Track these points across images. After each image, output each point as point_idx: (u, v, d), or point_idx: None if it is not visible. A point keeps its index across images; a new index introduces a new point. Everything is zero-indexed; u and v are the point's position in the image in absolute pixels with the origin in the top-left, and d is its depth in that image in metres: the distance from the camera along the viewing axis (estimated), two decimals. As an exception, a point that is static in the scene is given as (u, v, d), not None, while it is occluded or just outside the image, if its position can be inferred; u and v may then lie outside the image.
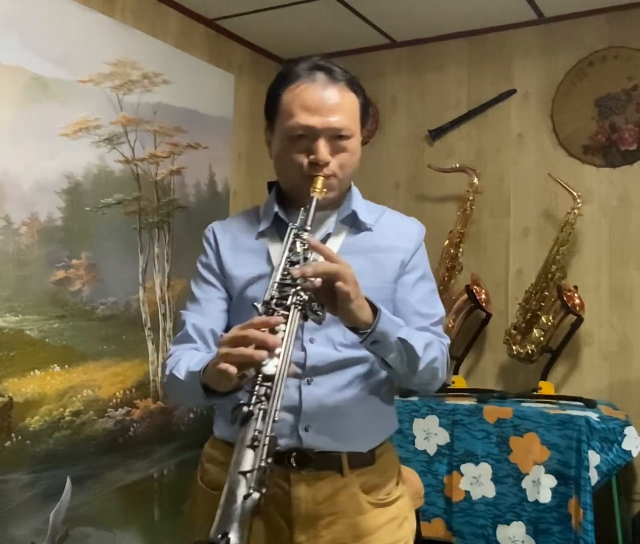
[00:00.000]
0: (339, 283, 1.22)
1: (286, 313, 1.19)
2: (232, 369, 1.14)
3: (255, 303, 1.23)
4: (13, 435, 2.40)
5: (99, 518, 2.69)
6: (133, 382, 2.85)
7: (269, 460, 1.04)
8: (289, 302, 1.20)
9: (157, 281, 3.01)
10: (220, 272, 1.50)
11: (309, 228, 1.32)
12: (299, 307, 1.20)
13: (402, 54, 3.68)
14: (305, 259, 1.27)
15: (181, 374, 1.35)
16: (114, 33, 2.82)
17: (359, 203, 1.51)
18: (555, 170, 3.25)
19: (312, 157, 1.40)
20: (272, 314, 1.19)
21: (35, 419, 2.47)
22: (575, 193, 3.11)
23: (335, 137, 1.41)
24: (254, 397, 1.09)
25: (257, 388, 1.10)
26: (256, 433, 1.05)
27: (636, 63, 3.16)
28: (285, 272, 1.25)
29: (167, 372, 1.41)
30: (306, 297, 1.21)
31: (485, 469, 2.87)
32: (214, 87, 3.32)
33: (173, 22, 3.18)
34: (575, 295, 3.08)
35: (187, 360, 1.37)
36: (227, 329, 1.46)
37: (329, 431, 1.40)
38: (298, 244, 1.30)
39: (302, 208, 1.37)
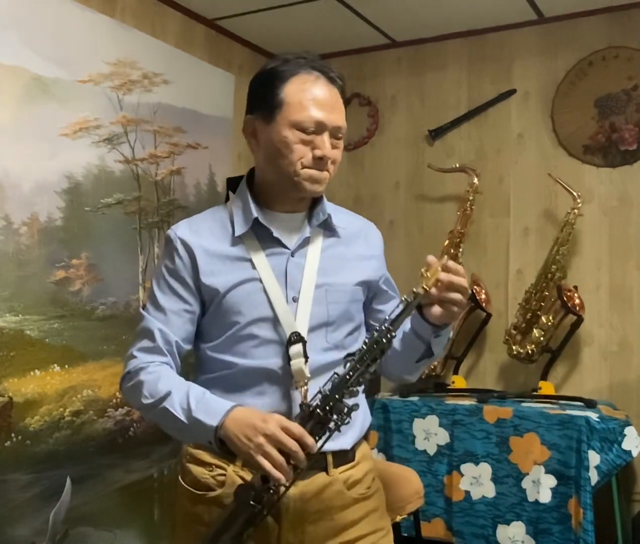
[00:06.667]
0: (462, 297, 1.33)
1: (320, 432, 1.29)
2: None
3: (406, 297, 1.30)
4: (13, 435, 2.39)
5: (99, 518, 2.68)
6: (133, 382, 2.84)
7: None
8: (329, 424, 1.29)
9: (157, 281, 3.00)
10: (192, 280, 1.45)
11: (394, 334, 1.32)
12: (330, 433, 1.30)
13: (402, 54, 3.68)
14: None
15: (177, 411, 1.34)
16: (114, 33, 2.81)
17: (329, 206, 1.53)
18: (555, 170, 3.26)
19: (318, 152, 1.40)
20: (311, 418, 1.28)
21: (35, 419, 2.47)
22: (575, 193, 3.11)
23: (332, 135, 1.43)
24: (264, 498, 1.26)
25: (266, 496, 1.27)
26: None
27: (636, 63, 3.16)
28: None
29: (145, 393, 1.38)
30: (347, 419, 1.30)
31: (485, 469, 2.87)
32: (214, 87, 3.32)
33: (173, 22, 3.18)
34: (575, 295, 3.08)
35: (177, 389, 1.37)
36: (196, 335, 1.48)
37: None
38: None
39: (404, 299, 1.33)
